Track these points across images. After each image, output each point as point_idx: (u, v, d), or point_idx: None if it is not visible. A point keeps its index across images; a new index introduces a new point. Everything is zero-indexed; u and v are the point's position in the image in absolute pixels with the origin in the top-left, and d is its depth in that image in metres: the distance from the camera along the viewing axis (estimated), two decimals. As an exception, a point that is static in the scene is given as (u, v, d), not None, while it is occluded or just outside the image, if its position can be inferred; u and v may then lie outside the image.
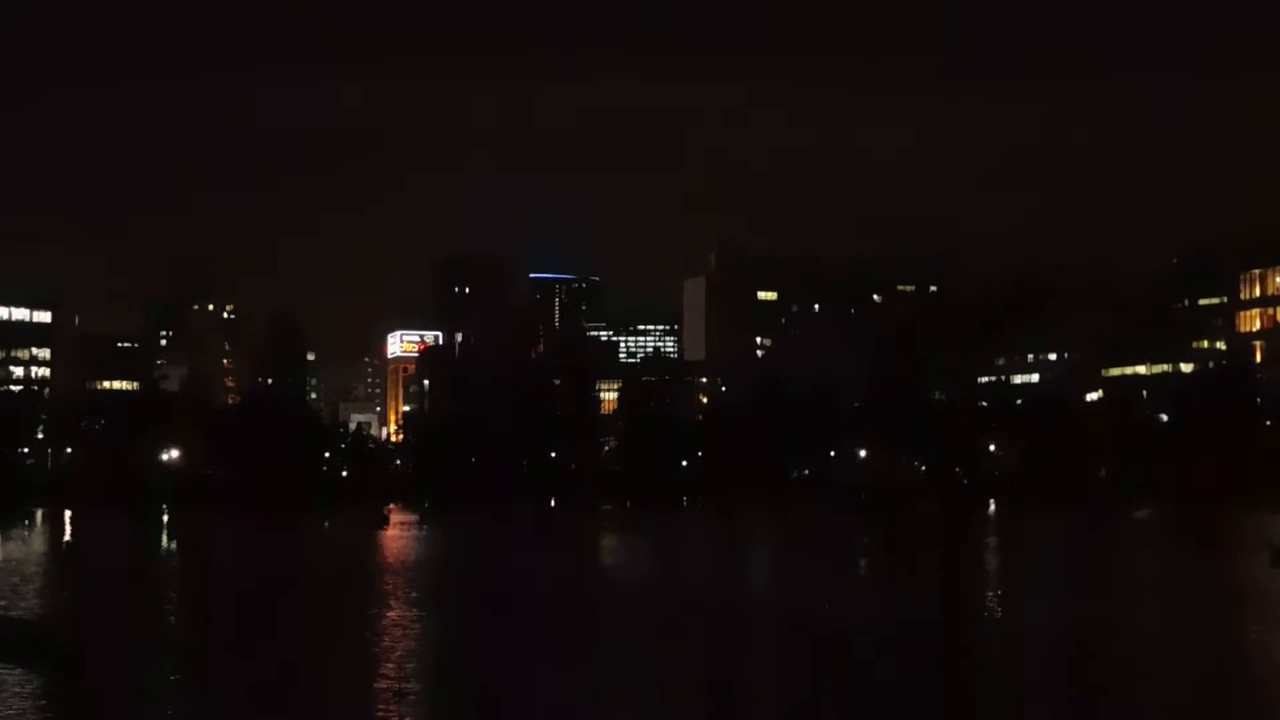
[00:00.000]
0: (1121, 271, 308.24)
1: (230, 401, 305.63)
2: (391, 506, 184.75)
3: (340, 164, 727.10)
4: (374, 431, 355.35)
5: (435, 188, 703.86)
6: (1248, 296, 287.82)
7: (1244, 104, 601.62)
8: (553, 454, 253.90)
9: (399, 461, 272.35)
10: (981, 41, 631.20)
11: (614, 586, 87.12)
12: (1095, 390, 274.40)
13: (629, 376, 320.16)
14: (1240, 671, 52.10)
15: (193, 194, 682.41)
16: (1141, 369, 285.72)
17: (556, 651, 57.19)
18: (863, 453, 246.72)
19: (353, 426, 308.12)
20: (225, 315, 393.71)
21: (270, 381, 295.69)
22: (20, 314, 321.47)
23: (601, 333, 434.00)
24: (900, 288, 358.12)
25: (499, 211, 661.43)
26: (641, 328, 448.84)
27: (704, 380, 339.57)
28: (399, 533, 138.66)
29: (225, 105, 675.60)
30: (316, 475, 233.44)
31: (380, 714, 43.72)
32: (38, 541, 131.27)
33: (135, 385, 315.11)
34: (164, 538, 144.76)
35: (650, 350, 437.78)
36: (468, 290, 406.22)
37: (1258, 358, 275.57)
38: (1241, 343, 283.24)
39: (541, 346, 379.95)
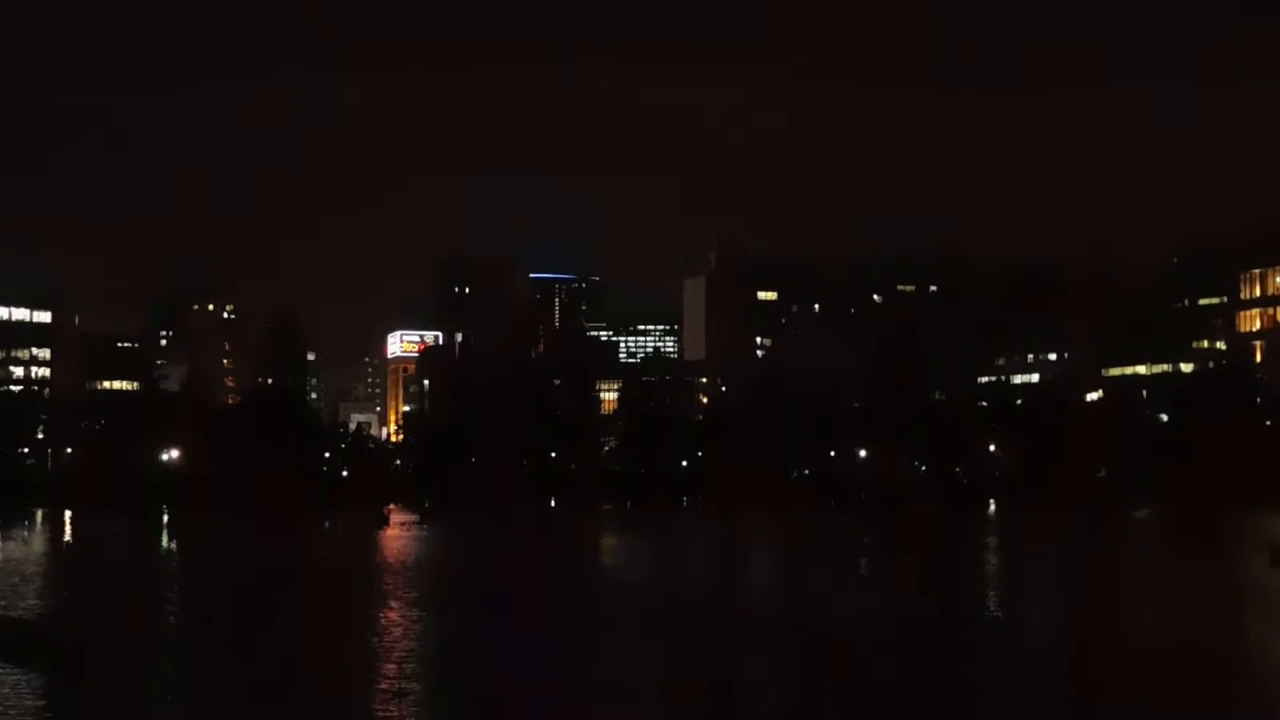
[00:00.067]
0: (1121, 271, 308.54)
1: (230, 401, 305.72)
2: (391, 506, 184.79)
3: (340, 164, 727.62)
4: (374, 431, 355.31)
5: (435, 188, 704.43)
6: (1248, 296, 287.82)
7: (1243, 104, 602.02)
8: (553, 454, 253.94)
9: (399, 461, 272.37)
10: (981, 41, 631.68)
11: (614, 586, 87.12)
12: (1095, 390, 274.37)
13: (629, 376, 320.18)
14: (1240, 671, 52.08)
15: (193, 194, 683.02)
16: (1141, 369, 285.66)
17: (556, 651, 57.18)
18: (863, 453, 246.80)
19: (353, 426, 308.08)
20: (225, 315, 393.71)
21: (270, 381, 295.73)
22: (20, 314, 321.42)
23: (601, 333, 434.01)
24: (900, 288, 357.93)
25: (499, 211, 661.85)
26: (641, 328, 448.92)
27: (704, 380, 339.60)
28: (399, 533, 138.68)
29: (225, 105, 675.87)
30: (316, 475, 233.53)
31: (380, 714, 43.72)
32: (38, 541, 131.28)
33: (135, 385, 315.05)
34: (164, 538, 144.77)
35: (650, 350, 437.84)
36: (468, 290, 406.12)
37: (1258, 358, 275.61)
38: (1241, 343, 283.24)
39: (541, 346, 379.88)
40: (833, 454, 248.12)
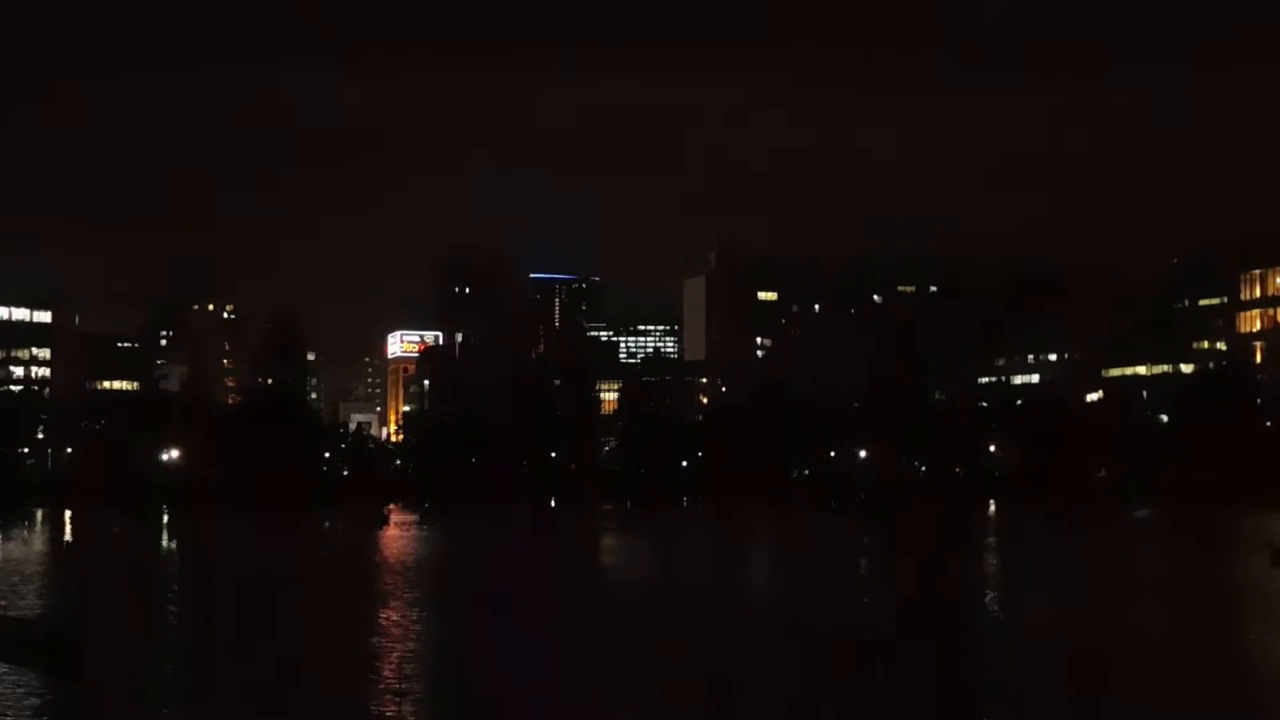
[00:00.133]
0: (1121, 271, 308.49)
1: (230, 401, 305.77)
2: (391, 506, 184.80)
3: (340, 164, 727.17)
4: (374, 431, 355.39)
5: (435, 188, 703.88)
6: (1248, 297, 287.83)
7: (1243, 104, 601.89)
8: (553, 454, 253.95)
9: (399, 461, 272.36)
10: (981, 41, 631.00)
11: (614, 586, 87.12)
12: (1095, 391, 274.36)
13: (629, 377, 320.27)
14: (1240, 671, 52.08)
15: (193, 194, 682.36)
16: (1142, 369, 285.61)
17: (556, 652, 57.17)
18: (863, 453, 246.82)
19: (353, 426, 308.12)
20: (225, 315, 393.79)
21: (270, 381, 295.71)
22: (20, 314, 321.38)
23: (601, 333, 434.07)
24: (900, 288, 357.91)
25: (499, 211, 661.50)
26: (641, 328, 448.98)
27: (704, 380, 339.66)
28: (399, 533, 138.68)
29: (225, 105, 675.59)
30: (316, 475, 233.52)
31: (380, 714, 43.71)
32: (38, 541, 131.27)
33: (135, 385, 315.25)
34: (164, 537, 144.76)
35: (650, 350, 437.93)
36: (468, 290, 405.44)
37: (1258, 358, 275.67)
38: (1242, 343, 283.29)
39: (541, 346, 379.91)
40: (833, 454, 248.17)
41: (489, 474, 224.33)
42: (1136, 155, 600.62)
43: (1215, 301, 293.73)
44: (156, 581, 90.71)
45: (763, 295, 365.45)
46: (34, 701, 45.15)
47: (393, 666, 51.95)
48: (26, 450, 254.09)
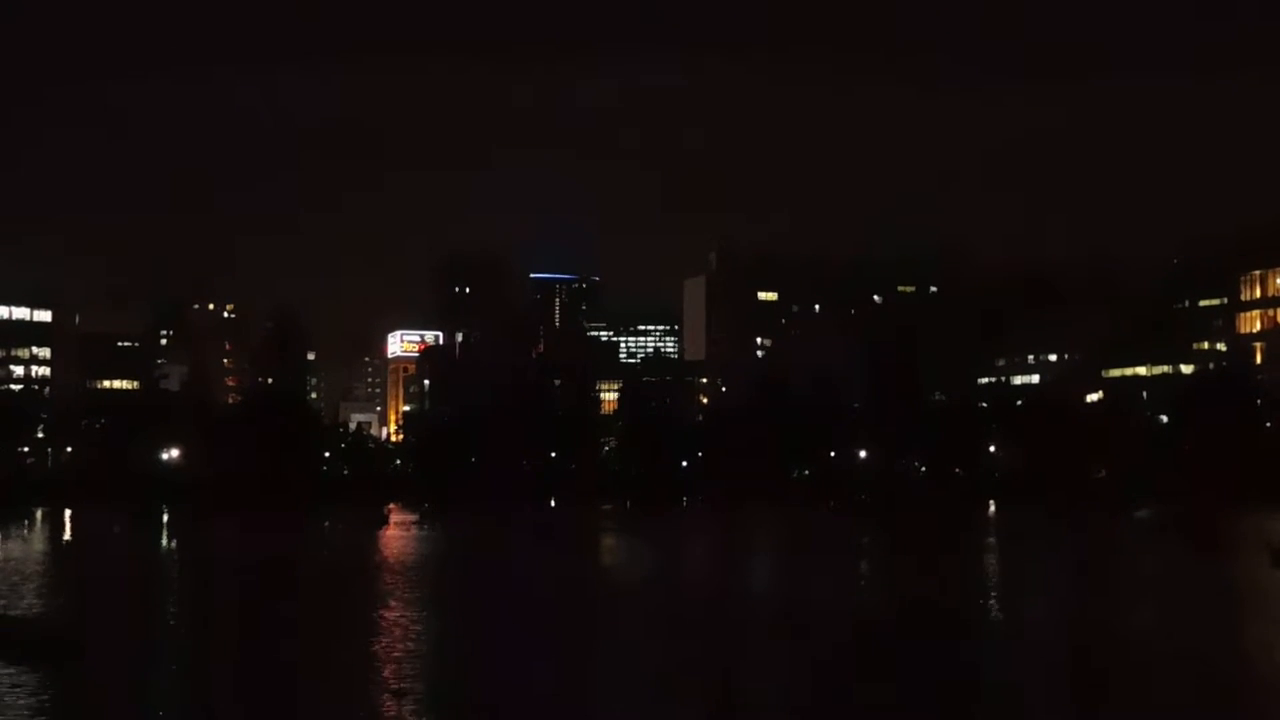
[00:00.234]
0: (1121, 272, 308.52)
1: (230, 401, 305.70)
2: (391, 506, 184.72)
3: (340, 163, 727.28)
4: (374, 431, 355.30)
5: (435, 188, 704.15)
6: (1248, 297, 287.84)
7: (1243, 104, 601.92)
8: (553, 454, 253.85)
9: (399, 461, 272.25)
10: (981, 41, 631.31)
11: (614, 587, 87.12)
12: (1095, 391, 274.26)
13: (629, 377, 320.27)
14: (1240, 671, 52.07)
15: (193, 193, 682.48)
16: (1142, 370, 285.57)
17: (556, 652, 57.17)
18: (863, 453, 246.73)
19: (353, 426, 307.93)
20: (225, 315, 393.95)
21: (270, 381, 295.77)
22: (20, 313, 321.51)
23: (601, 333, 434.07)
24: (900, 288, 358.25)
25: (499, 211, 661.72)
26: (641, 328, 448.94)
27: (704, 380, 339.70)
28: (399, 533, 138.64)
29: (226, 104, 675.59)
30: (316, 475, 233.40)
31: (380, 714, 43.70)
32: (38, 540, 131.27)
33: (135, 385, 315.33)
34: (164, 537, 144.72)
35: (650, 350, 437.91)
36: (468, 290, 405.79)
37: (1258, 359, 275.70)
38: (1242, 344, 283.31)
39: (541, 346, 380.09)
40: (833, 454, 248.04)
41: (489, 474, 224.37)
42: (1136, 155, 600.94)
43: (1215, 302, 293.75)
44: (156, 581, 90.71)
45: (763, 295, 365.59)
46: (33, 701, 45.15)
47: (393, 667, 51.96)
48: (27, 449, 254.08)
